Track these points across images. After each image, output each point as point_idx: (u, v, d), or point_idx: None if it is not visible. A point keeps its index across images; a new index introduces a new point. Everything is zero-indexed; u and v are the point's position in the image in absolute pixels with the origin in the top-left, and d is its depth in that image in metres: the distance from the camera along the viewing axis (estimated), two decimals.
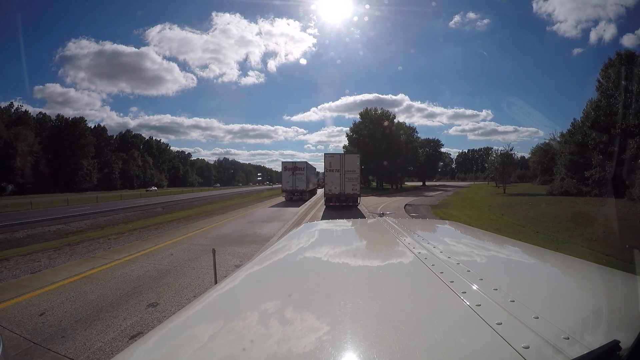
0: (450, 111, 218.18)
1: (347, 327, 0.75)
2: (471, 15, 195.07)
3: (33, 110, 69.08)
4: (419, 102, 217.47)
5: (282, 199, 26.20)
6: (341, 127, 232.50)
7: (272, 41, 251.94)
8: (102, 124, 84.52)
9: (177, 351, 0.69)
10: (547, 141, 46.43)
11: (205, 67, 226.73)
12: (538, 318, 0.70)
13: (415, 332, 0.71)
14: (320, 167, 29.34)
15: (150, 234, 10.36)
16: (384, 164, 49.81)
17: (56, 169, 60.90)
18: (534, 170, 57.30)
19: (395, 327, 0.73)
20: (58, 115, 69.18)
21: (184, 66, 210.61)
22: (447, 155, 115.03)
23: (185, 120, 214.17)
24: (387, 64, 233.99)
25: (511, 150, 37.90)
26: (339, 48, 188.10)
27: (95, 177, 70.15)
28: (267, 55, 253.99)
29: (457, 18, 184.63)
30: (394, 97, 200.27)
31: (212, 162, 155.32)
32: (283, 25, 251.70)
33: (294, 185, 24.27)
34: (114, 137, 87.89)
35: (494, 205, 21.71)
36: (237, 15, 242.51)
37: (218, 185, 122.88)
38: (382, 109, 57.16)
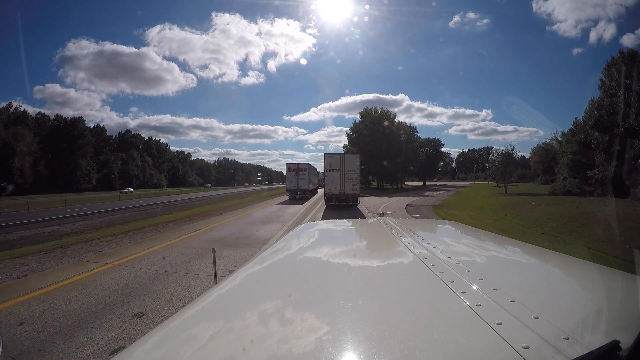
0: (450, 111, 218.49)
1: (347, 327, 0.74)
2: (471, 15, 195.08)
3: (32, 110, 69.00)
4: (419, 102, 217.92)
5: (281, 199, 27.04)
6: (341, 127, 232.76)
7: (272, 41, 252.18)
8: (101, 124, 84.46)
9: (177, 351, 0.69)
10: (548, 141, 46.06)
11: (205, 67, 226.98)
12: (538, 318, 0.69)
13: (415, 332, 0.71)
14: (320, 167, 30.34)
15: (144, 236, 10.07)
16: (384, 163, 49.49)
17: (55, 169, 60.67)
18: (534, 169, 57.05)
19: (395, 327, 0.73)
20: (57, 115, 69.04)
21: (183, 66, 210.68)
22: (448, 155, 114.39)
23: (185, 121, 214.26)
24: (387, 64, 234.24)
25: (513, 149, 37.61)
26: (339, 48, 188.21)
27: (95, 177, 69.90)
28: (267, 55, 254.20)
29: (457, 18, 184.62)
30: (394, 97, 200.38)
31: (212, 162, 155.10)
32: (283, 26, 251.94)
33: (297, 185, 25.77)
34: (113, 137, 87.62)
35: (496, 205, 21.43)
36: (237, 15, 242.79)
37: (209, 185, 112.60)
38: (382, 108, 56.83)
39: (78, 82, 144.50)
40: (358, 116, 56.29)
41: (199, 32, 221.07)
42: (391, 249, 1.54)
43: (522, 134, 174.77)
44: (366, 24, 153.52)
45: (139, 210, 22.25)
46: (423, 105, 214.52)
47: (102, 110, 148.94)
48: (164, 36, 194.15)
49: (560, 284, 1.13)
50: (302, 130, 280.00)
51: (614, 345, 0.57)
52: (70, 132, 66.12)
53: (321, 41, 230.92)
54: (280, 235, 8.64)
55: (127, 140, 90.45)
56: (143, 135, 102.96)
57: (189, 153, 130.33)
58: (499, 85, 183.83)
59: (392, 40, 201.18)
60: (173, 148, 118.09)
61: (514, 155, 38.21)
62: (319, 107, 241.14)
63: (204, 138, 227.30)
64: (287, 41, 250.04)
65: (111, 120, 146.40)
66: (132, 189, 62.20)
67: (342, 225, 2.42)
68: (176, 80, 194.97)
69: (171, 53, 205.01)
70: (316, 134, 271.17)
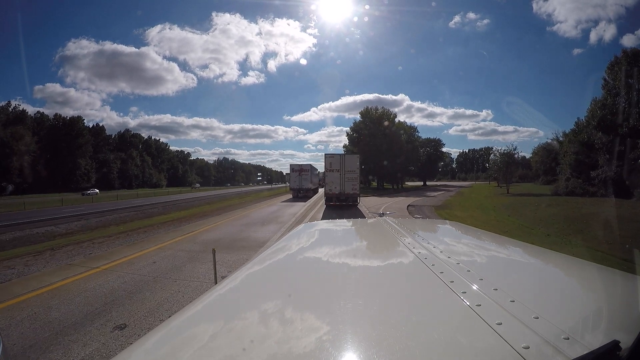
0: (450, 111, 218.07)
1: (347, 327, 0.74)
2: (471, 15, 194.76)
3: (32, 110, 68.70)
4: (419, 102, 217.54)
5: (280, 199, 27.71)
6: (341, 127, 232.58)
7: (272, 41, 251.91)
8: (101, 124, 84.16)
9: (177, 351, 0.69)
10: (549, 141, 45.64)
11: (205, 67, 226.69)
12: (538, 318, 0.69)
13: (415, 332, 0.71)
14: (320, 167, 31.49)
15: (138, 238, 9.74)
16: (384, 163, 49.18)
17: (54, 168, 60.38)
18: (536, 170, 56.68)
19: (395, 327, 0.73)
20: (56, 115, 68.73)
21: (184, 66, 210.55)
22: (448, 155, 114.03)
23: (186, 120, 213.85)
24: (387, 64, 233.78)
25: (515, 149, 37.24)
26: (339, 48, 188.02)
27: (94, 176, 69.59)
28: (267, 55, 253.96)
29: (457, 18, 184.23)
30: (394, 97, 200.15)
31: (211, 162, 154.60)
32: (283, 26, 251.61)
33: (300, 184, 28.46)
34: (113, 136, 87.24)
35: (499, 205, 21.10)
36: (237, 15, 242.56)
37: (197, 185, 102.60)
38: (382, 108, 56.45)
39: (78, 82, 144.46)
40: (358, 116, 56.00)
41: (199, 32, 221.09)
42: (391, 249, 1.53)
43: (522, 134, 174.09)
44: (366, 24, 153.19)
45: (136, 210, 21.95)
46: (423, 106, 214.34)
47: (102, 110, 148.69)
48: (164, 36, 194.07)
49: (560, 284, 1.12)
50: (302, 130, 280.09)
51: (614, 345, 0.57)
52: (69, 132, 65.83)
53: (321, 41, 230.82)
54: (278, 237, 8.32)
55: (127, 139, 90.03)
56: (143, 134, 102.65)
57: (188, 153, 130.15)
58: (499, 85, 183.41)
59: (392, 40, 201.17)
60: (173, 148, 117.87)
61: (516, 156, 37.85)
62: (319, 107, 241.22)
63: (204, 138, 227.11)
64: (287, 41, 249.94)
65: (111, 119, 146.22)
66: (97, 190, 53.05)
67: (342, 225, 2.40)
68: (176, 80, 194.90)
69: (171, 53, 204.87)
70: (316, 134, 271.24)
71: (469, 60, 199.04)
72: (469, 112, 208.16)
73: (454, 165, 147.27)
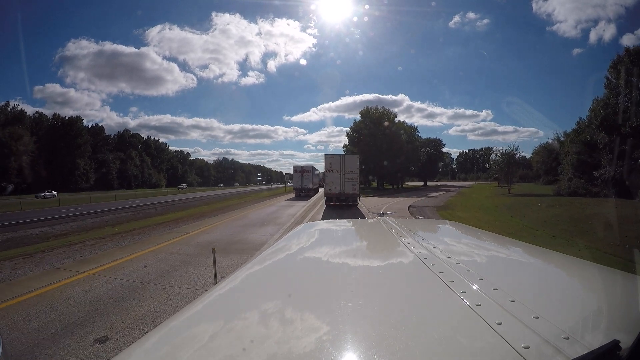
0: (450, 111, 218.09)
1: (347, 327, 0.74)
2: (471, 15, 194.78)
3: (32, 110, 68.40)
4: (419, 102, 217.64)
5: (280, 199, 28.20)
6: (341, 127, 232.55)
7: (272, 41, 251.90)
8: (101, 124, 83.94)
9: (177, 351, 0.69)
10: (550, 141, 45.29)
11: (205, 67, 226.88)
12: (538, 318, 0.69)
13: (415, 332, 0.70)
14: (320, 167, 32.12)
15: (132, 239, 9.45)
16: (384, 163, 48.90)
17: (53, 168, 60.14)
18: (537, 170, 56.37)
19: (395, 327, 0.73)
20: (54, 115, 68.44)
21: (184, 66, 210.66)
22: (448, 155, 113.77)
23: (185, 120, 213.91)
24: (387, 64, 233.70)
25: (516, 149, 36.95)
26: (339, 48, 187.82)
27: (93, 177, 69.32)
28: (267, 55, 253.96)
29: (457, 18, 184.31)
30: (394, 97, 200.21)
31: (211, 162, 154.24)
32: (283, 26, 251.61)
33: (302, 184, 30.30)
34: (112, 136, 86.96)
35: (501, 206, 20.82)
36: (237, 15, 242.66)
37: (184, 186, 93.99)
38: (382, 108, 56.03)
39: (78, 82, 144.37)
40: (358, 116, 55.60)
41: (199, 32, 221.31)
42: (391, 249, 1.53)
43: (522, 135, 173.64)
44: (366, 24, 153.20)
45: (134, 211, 21.69)
46: (423, 106, 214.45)
47: (102, 110, 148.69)
48: (164, 36, 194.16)
49: (560, 283, 1.11)
50: (302, 130, 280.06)
51: (614, 345, 0.57)
52: (67, 132, 65.58)
53: (321, 41, 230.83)
54: (276, 240, 8.03)
55: (126, 139, 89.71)
56: (143, 135, 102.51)
57: (188, 153, 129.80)
58: (498, 85, 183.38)
59: (392, 40, 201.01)
60: (173, 148, 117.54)
61: (517, 156, 37.56)
62: (319, 107, 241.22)
63: (204, 138, 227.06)
64: (287, 41, 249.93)
65: (111, 120, 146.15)
66: (55, 193, 45.72)
67: (342, 225, 2.39)
68: (176, 80, 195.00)
69: (171, 53, 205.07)
70: (316, 134, 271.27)
71: (469, 60, 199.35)
72: (468, 112, 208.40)
73: (454, 166, 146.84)
